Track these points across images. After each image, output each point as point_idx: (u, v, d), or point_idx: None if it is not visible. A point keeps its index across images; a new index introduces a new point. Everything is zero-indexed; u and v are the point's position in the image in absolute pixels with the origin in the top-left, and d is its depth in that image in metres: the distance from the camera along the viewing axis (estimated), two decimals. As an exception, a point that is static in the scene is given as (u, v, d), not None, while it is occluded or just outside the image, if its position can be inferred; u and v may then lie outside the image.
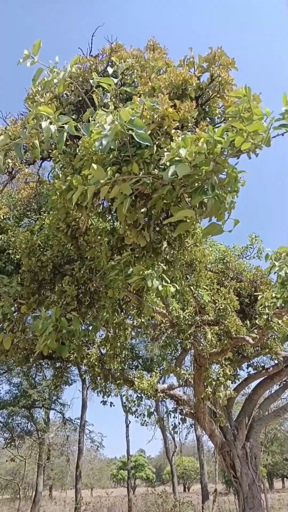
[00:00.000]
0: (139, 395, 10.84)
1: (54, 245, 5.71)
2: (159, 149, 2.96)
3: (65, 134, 3.04)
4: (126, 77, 3.59)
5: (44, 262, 5.45)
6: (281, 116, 2.72)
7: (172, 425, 13.12)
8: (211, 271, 9.19)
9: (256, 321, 7.37)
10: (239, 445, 12.10)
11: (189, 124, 3.19)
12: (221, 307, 7.65)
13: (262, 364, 12.56)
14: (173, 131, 2.96)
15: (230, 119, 2.95)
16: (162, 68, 3.70)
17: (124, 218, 3.22)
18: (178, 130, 3.06)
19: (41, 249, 5.66)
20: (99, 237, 5.54)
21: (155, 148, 2.94)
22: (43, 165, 6.42)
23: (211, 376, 9.13)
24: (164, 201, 3.20)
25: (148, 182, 2.82)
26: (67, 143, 4.11)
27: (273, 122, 2.70)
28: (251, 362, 12.18)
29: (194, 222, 3.12)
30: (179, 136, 2.93)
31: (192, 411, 11.89)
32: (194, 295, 7.54)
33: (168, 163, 2.85)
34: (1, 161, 3.21)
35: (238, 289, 9.53)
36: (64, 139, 3.04)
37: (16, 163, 4.75)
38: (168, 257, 5.17)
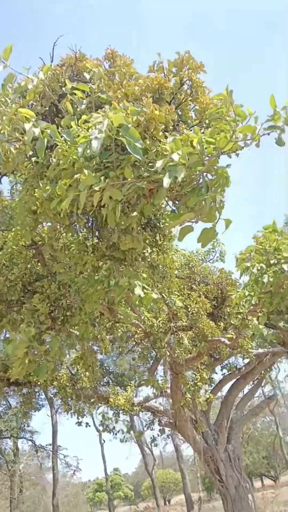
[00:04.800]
0: (116, 412, 10.55)
1: (19, 263, 5.42)
2: (147, 152, 2.86)
3: (45, 140, 2.88)
4: (92, 86, 3.47)
5: (12, 281, 5.14)
6: (269, 117, 2.72)
7: (151, 438, 12.89)
8: (178, 277, 9.17)
9: (231, 321, 7.40)
10: (221, 449, 12.06)
11: (170, 127, 3.14)
12: (194, 311, 7.61)
13: (235, 365, 12.67)
14: (160, 133, 2.89)
15: (212, 121, 2.93)
16: (132, 76, 3.63)
17: (115, 224, 3.08)
18: (162, 133, 2.99)
19: (7, 268, 5.34)
20: (69, 250, 5.34)
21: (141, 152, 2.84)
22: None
23: (189, 382, 9.04)
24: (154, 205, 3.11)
25: (143, 186, 2.71)
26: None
27: (262, 124, 2.71)
28: (224, 363, 12.26)
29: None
30: (166, 139, 2.87)
31: (171, 420, 11.73)
32: (166, 301, 7.45)
33: (158, 169, 2.77)
34: None
35: (205, 293, 9.58)
36: (45, 145, 2.88)
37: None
38: (151, 262, 5.08)
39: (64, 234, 5.60)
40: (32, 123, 2.87)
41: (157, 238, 5.23)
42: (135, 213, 3.19)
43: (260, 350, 11.55)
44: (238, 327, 6.94)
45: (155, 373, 13.02)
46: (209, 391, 11.17)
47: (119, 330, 7.41)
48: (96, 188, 2.72)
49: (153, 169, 2.86)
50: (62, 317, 5.38)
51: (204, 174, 2.89)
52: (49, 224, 5.23)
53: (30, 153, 3.87)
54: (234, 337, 7.60)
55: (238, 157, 3.09)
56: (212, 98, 2.92)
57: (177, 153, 2.62)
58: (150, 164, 2.91)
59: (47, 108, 3.96)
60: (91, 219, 5.05)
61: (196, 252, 10.05)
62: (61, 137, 3.12)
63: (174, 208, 3.72)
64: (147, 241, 5.00)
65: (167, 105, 3.38)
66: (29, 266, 5.43)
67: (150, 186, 3.05)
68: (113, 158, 2.92)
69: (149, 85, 3.44)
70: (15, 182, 6.00)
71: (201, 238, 3.16)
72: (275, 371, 21.01)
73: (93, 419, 17.38)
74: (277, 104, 2.70)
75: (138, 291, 4.53)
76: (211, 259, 10.12)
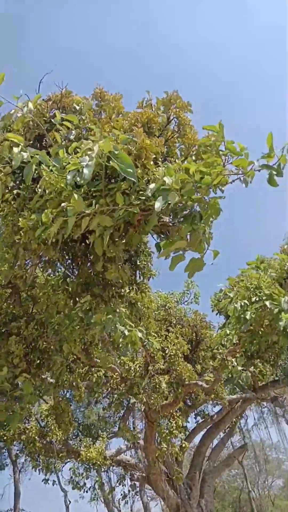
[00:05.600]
0: (87, 466, 9.84)
1: (-5, 302, 5.16)
2: (138, 181, 2.86)
3: (33, 166, 2.82)
4: (82, 117, 3.53)
5: (-14, 321, 4.85)
6: (264, 155, 2.78)
7: (121, 494, 12.06)
8: (154, 319, 9.03)
9: (210, 363, 7.25)
10: (194, 504, 11.41)
11: (160, 159, 3.18)
12: (171, 354, 7.43)
13: (207, 412, 12.32)
14: (151, 163, 2.90)
15: (203, 153, 3.00)
16: (120, 112, 3.72)
17: (101, 252, 3.00)
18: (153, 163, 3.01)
19: (-19, 308, 5.06)
20: (47, 289, 5.16)
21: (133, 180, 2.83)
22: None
23: (164, 430, 8.64)
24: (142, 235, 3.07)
25: (135, 211, 2.67)
26: (21, 186, 3.83)
27: (258, 160, 2.78)
28: (198, 411, 11.89)
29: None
30: (158, 167, 2.89)
31: (143, 474, 11.07)
32: (144, 343, 7.25)
33: (150, 193, 2.77)
34: None
35: (181, 335, 9.45)
36: (33, 171, 2.82)
37: None
38: (130, 300, 4.98)
39: (41, 273, 5.45)
40: (20, 147, 2.83)
41: (136, 277, 5.18)
42: (123, 241, 3.15)
43: (233, 396, 11.32)
44: (217, 368, 6.80)
45: (127, 423, 12.46)
46: (183, 440, 10.72)
47: (94, 375, 7.08)
48: (87, 211, 2.66)
49: (144, 196, 2.85)
50: (38, 360, 5.09)
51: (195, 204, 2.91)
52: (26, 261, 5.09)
53: (11, 184, 3.80)
54: (213, 380, 7.42)
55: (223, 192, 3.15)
56: (204, 128, 2.98)
57: (170, 178, 2.63)
58: (140, 192, 2.90)
59: (31, 142, 3.95)
60: (69, 255, 4.95)
61: (172, 294, 10.01)
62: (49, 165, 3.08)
63: (158, 241, 3.70)
64: (125, 280, 4.94)
65: (156, 138, 3.44)
66: (4, 306, 5.17)
67: (139, 214, 3.03)
68: (102, 186, 2.89)
69: (138, 119, 3.50)
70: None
71: (189, 268, 3.12)
72: (243, 420, 20.59)
73: (58, 477, 16.01)
74: (274, 144, 2.78)
75: (120, 328, 4.40)
76: (186, 301, 10.10)
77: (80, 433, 13.06)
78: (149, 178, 2.85)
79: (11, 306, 5.24)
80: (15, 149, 2.76)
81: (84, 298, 4.22)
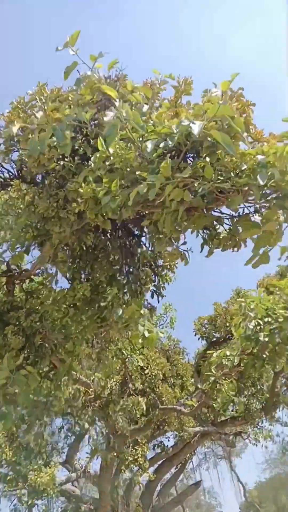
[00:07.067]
0: (34, 493, 8.94)
1: (-9, 290, 4.69)
2: (219, 160, 2.70)
3: (118, 127, 2.61)
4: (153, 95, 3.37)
5: (-16, 307, 4.35)
6: None
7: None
8: (130, 338, 8.68)
9: (198, 386, 6.97)
10: None
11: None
12: (153, 373, 7.09)
13: (165, 444, 11.82)
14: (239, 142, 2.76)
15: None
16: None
17: (170, 230, 2.78)
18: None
19: (-24, 294, 4.57)
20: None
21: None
22: None
23: (127, 458, 8.11)
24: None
25: (226, 187, 2.49)
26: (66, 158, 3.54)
27: None
28: (158, 442, 11.38)
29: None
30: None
31: (91, 507, 10.27)
32: (126, 360, 6.88)
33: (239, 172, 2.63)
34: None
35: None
36: (117, 132, 2.61)
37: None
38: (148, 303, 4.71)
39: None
40: (121, 101, 2.64)
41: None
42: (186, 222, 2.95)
43: (195, 429, 10.96)
44: (206, 391, 6.52)
45: (76, 451, 11.71)
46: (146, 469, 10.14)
47: (71, 388, 6.56)
48: (172, 180, 2.44)
49: (225, 176, 2.69)
50: (33, 357, 4.61)
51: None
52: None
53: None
54: (195, 405, 7.12)
55: None
56: (284, 121, 2.88)
57: (269, 155, 2.52)
58: (220, 172, 2.73)
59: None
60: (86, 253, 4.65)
61: (149, 315, 9.70)
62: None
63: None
64: (148, 278, 4.71)
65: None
66: (1, 295, 4.70)
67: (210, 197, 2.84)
68: (175, 163, 2.71)
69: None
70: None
71: (251, 260, 2.96)
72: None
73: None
74: None
75: (140, 328, 4.14)
76: (161, 325, 9.83)
77: (24, 458, 12.02)
78: (232, 158, 2.69)
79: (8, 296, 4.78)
80: (117, 103, 2.55)
81: (108, 291, 3.92)
